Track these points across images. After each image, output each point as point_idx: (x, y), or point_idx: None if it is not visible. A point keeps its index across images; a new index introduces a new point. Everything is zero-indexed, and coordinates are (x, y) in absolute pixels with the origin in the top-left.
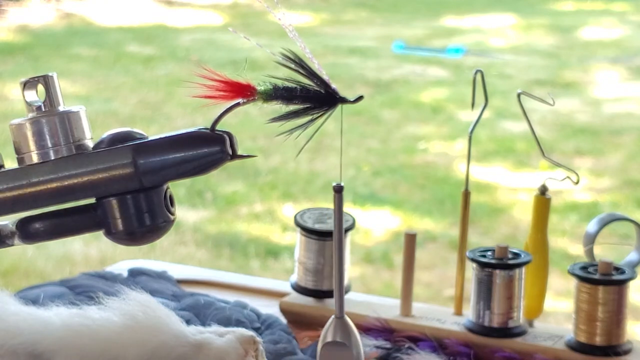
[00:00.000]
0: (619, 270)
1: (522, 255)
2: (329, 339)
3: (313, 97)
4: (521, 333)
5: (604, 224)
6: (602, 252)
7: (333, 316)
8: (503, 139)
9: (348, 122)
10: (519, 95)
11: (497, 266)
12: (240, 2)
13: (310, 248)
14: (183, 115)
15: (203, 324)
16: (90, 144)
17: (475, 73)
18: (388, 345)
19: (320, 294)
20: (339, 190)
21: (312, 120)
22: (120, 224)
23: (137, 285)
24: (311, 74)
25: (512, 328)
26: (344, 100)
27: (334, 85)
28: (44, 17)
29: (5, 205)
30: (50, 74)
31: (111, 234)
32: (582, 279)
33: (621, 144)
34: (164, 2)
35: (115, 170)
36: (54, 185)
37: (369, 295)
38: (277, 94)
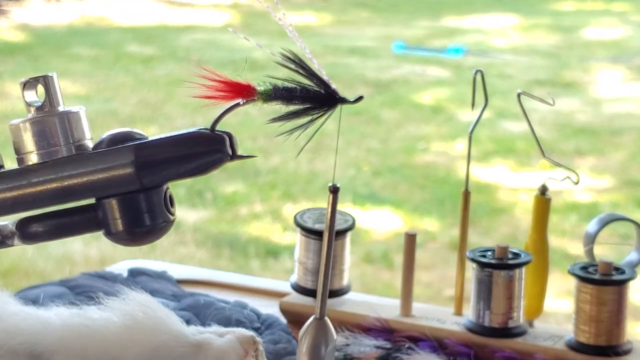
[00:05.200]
0: (619, 270)
1: (522, 255)
2: (305, 339)
3: (313, 97)
4: (521, 333)
5: (604, 224)
6: (602, 252)
7: (313, 316)
8: (503, 139)
9: (348, 122)
10: (519, 95)
11: (497, 266)
12: (240, 2)
13: (310, 248)
14: (183, 115)
15: (203, 324)
16: (90, 144)
17: (475, 73)
18: (388, 345)
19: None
20: (334, 191)
21: (312, 121)
22: (120, 225)
23: (137, 285)
24: (311, 74)
25: (512, 328)
26: (343, 101)
27: (334, 86)
28: (44, 17)
29: (5, 205)
30: (50, 74)
31: (111, 234)
32: (582, 279)
33: (621, 144)
34: (164, 2)
35: (115, 170)
36: (53, 185)
37: (369, 295)
38: (277, 94)
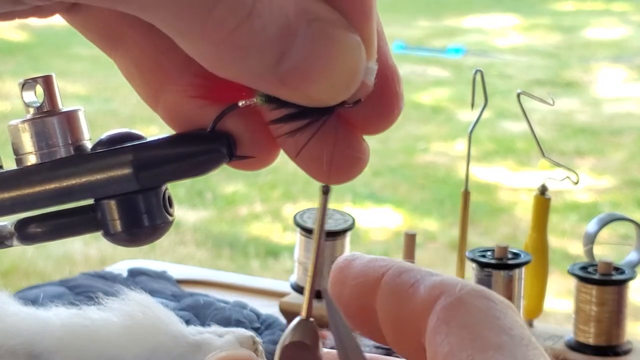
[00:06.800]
0: (619, 270)
1: (522, 255)
2: (288, 341)
3: None
4: None
5: (604, 224)
6: (602, 252)
7: (298, 317)
8: (503, 139)
9: None
10: (518, 95)
11: (497, 266)
12: None
13: (310, 248)
14: None
15: (203, 324)
16: (89, 144)
17: (475, 73)
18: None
19: (320, 294)
20: (326, 192)
21: (311, 123)
22: (118, 225)
23: (137, 285)
24: None
25: None
26: (343, 104)
27: None
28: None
29: (4, 206)
30: (49, 74)
31: (110, 235)
32: (582, 279)
33: (621, 144)
34: None
35: (114, 171)
36: (52, 186)
37: None
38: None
